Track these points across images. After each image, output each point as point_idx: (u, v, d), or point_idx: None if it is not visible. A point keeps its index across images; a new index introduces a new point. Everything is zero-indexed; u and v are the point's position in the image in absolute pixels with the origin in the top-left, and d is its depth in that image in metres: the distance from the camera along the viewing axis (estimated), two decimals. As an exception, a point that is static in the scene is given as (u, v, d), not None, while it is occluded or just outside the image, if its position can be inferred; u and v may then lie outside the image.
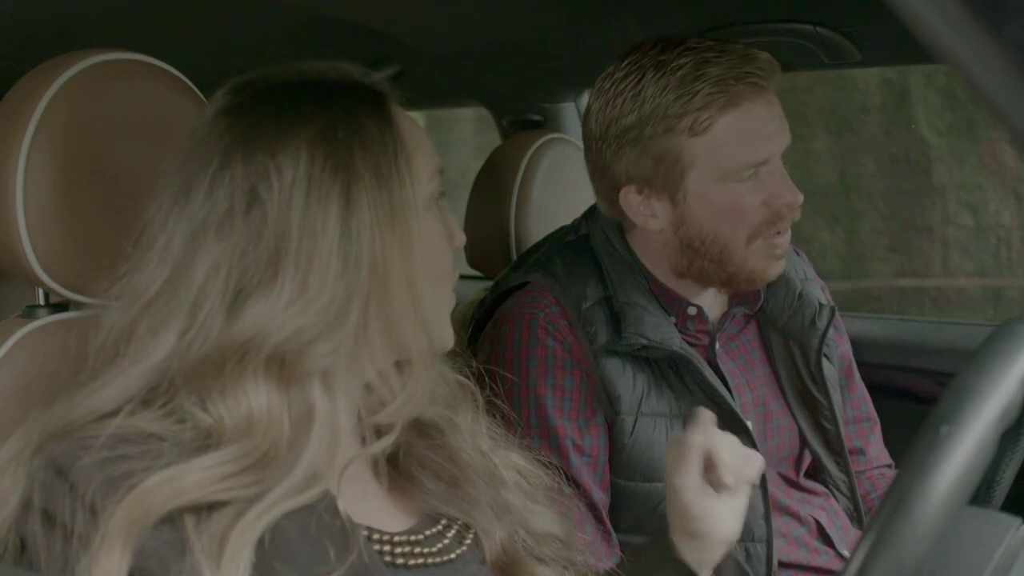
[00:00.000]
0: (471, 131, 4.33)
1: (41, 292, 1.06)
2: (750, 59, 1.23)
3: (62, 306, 1.06)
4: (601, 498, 1.29)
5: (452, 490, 0.94)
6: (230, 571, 0.74)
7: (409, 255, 0.85)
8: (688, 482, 0.97)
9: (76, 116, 1.01)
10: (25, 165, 0.98)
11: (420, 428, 0.95)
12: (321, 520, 0.81)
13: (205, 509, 0.76)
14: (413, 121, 0.93)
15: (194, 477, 0.75)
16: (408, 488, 0.94)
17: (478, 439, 0.98)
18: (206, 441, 0.79)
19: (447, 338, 0.94)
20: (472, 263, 1.83)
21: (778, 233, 1.28)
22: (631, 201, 1.29)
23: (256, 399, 0.80)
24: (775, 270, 1.31)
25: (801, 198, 1.26)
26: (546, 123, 2.10)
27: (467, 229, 1.81)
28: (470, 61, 1.84)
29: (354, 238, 0.82)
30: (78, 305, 1.06)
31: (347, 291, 0.82)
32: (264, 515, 0.77)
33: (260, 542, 0.76)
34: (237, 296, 0.81)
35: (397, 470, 0.94)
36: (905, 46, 1.44)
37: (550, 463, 1.05)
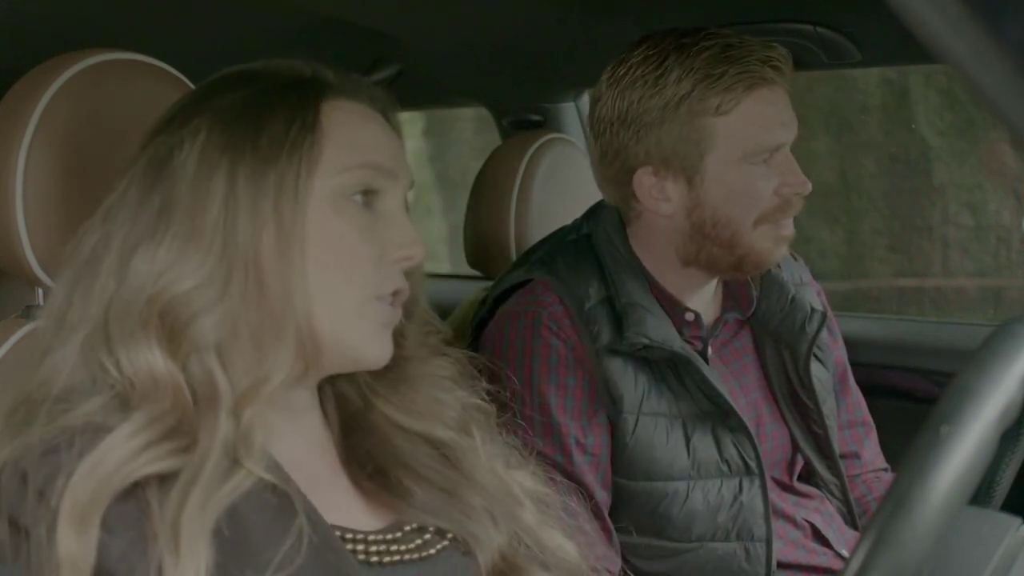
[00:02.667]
0: (471, 131, 4.32)
1: (41, 292, 1.06)
2: (769, 47, 1.26)
3: (62, 306, 1.06)
4: (603, 497, 1.29)
5: (448, 499, 0.91)
6: (191, 561, 0.73)
7: (288, 245, 0.82)
8: None
9: (76, 116, 1.01)
10: (25, 165, 0.98)
11: (432, 442, 0.94)
12: (279, 508, 0.80)
13: (153, 492, 0.75)
14: (364, 118, 0.89)
15: (116, 454, 0.75)
16: (395, 503, 0.91)
17: (494, 461, 0.96)
18: (123, 411, 0.78)
19: (364, 352, 0.88)
20: (472, 263, 1.83)
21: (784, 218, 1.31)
22: (644, 184, 1.29)
23: (154, 360, 0.79)
24: (781, 251, 1.33)
25: (810, 187, 1.28)
26: (546, 123, 2.09)
27: (467, 229, 1.81)
28: (470, 61, 1.84)
29: (235, 218, 0.82)
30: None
31: (227, 268, 0.81)
32: (208, 499, 0.75)
33: (218, 531, 0.75)
34: (126, 250, 0.82)
35: (387, 479, 0.91)
36: (905, 46, 1.44)
37: (552, 460, 1.05)
